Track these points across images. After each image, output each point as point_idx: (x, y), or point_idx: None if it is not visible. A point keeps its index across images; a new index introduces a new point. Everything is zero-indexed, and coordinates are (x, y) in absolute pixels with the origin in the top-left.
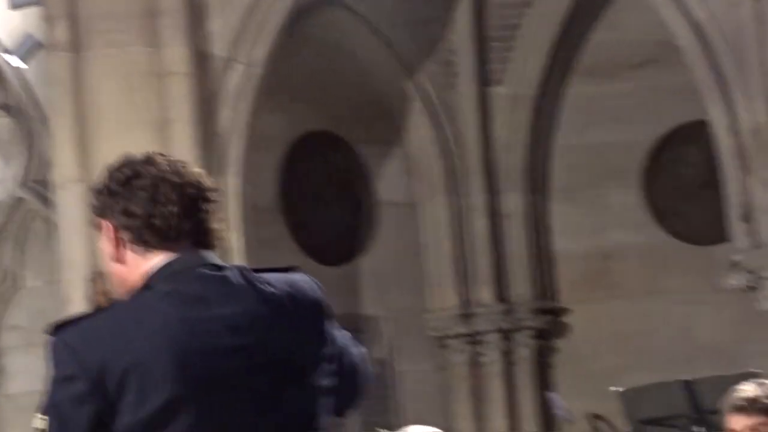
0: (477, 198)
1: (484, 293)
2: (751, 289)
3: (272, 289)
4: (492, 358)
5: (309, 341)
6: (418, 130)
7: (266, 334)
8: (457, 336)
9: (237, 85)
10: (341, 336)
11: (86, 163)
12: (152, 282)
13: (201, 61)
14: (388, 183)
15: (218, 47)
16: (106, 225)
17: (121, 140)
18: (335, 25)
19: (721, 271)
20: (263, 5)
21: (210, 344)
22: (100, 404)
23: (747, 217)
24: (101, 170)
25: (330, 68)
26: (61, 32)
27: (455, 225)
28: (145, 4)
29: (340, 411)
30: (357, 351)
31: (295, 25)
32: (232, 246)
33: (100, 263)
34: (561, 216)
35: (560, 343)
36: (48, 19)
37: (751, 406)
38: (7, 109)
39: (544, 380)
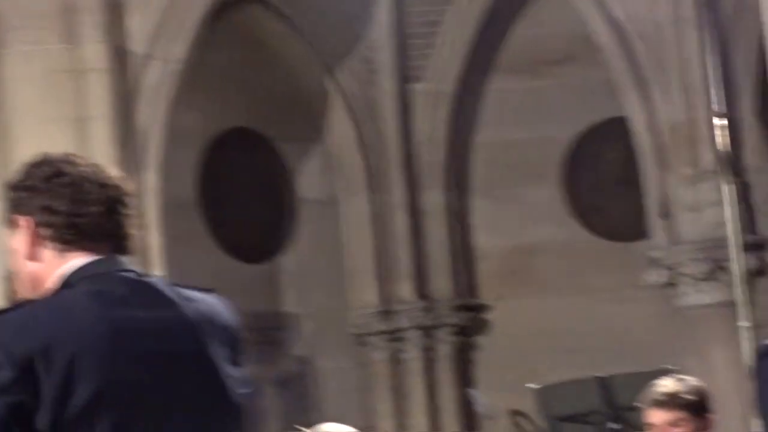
0: (397, 195)
1: (405, 290)
2: (670, 285)
3: (195, 303)
4: (413, 355)
5: (227, 359)
6: (339, 127)
7: (192, 345)
8: (377, 333)
9: (156, 82)
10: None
11: (4, 160)
12: (72, 281)
13: (119, 57)
14: (308, 180)
15: (137, 44)
16: (25, 221)
17: (40, 137)
18: (256, 22)
19: (640, 267)
20: (182, 2)
21: (138, 346)
22: (23, 396)
23: (665, 213)
24: (18, 167)
25: (250, 65)
26: None
27: (376, 222)
28: (63, 1)
29: None
30: (247, 390)
31: (214, 21)
32: (151, 243)
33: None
34: (481, 213)
35: (481, 340)
36: None
37: (670, 401)
38: None
39: (465, 377)
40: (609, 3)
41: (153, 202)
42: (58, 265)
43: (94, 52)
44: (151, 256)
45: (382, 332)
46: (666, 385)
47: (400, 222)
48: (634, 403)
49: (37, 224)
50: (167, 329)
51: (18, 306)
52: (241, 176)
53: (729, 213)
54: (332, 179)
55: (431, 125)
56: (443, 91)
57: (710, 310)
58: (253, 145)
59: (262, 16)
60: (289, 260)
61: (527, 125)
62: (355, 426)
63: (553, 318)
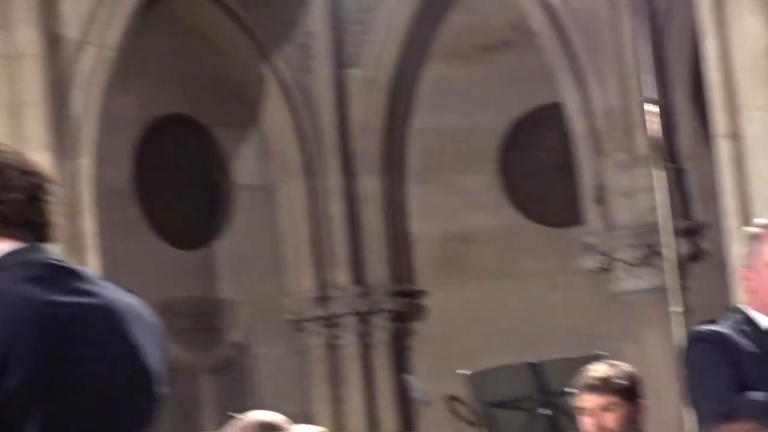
0: (333, 181)
1: (341, 276)
2: (604, 270)
3: (118, 295)
4: (349, 340)
5: (151, 354)
6: (275, 113)
7: (117, 331)
8: (313, 319)
9: (90, 68)
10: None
11: None
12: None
13: (53, 43)
14: (244, 166)
15: (70, 29)
16: None
17: None
18: (190, 7)
19: (575, 253)
20: None
21: (67, 332)
22: None
23: (600, 199)
24: None
25: (185, 51)
26: None
27: (312, 208)
28: None
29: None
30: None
31: (150, 7)
32: (85, 230)
33: None
34: (418, 198)
35: (417, 326)
36: None
37: (602, 386)
38: None
39: (401, 363)
40: None
41: (87, 188)
42: None
43: (28, 37)
44: (85, 243)
45: (319, 318)
46: (598, 370)
47: (336, 208)
48: (566, 389)
49: None
50: (93, 315)
51: None
52: (177, 162)
53: (661, 199)
54: (268, 165)
55: (367, 111)
56: (379, 77)
57: (644, 295)
58: (189, 132)
59: (198, 2)
60: (225, 246)
61: (463, 112)
62: (291, 412)
63: (488, 304)
